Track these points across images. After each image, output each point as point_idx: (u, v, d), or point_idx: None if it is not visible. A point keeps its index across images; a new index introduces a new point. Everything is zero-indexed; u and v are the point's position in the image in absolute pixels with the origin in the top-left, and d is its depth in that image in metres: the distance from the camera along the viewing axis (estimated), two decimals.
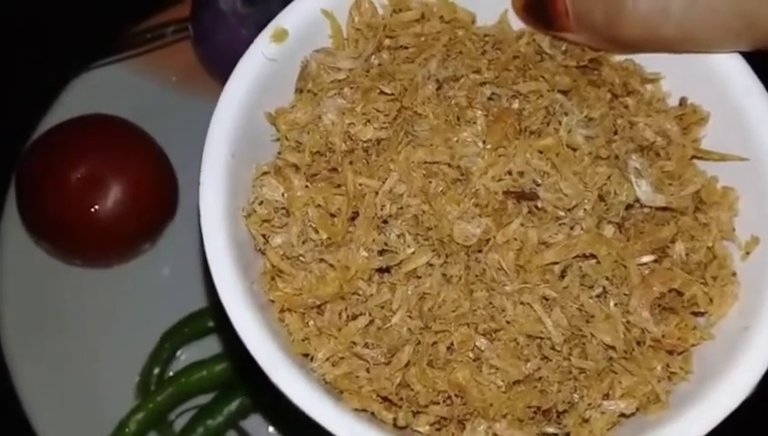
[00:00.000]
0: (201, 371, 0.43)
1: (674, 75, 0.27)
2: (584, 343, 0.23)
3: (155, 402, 0.42)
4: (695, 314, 0.24)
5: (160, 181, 0.42)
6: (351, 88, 0.25)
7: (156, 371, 0.44)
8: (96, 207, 0.41)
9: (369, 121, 0.25)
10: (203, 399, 0.43)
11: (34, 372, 0.43)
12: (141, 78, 0.47)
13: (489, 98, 0.25)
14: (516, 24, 0.28)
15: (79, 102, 0.45)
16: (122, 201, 0.41)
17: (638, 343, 0.23)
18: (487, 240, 0.24)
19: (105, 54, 0.47)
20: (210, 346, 0.44)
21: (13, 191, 0.43)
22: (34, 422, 0.42)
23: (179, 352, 0.44)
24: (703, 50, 0.25)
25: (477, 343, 0.23)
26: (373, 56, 0.26)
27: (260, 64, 0.26)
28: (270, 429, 0.43)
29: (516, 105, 0.25)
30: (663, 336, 0.23)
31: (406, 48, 0.26)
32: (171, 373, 0.44)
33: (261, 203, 0.25)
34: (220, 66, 0.42)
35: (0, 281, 0.43)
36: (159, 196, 0.42)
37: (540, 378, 0.22)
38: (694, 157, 0.26)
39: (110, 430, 0.42)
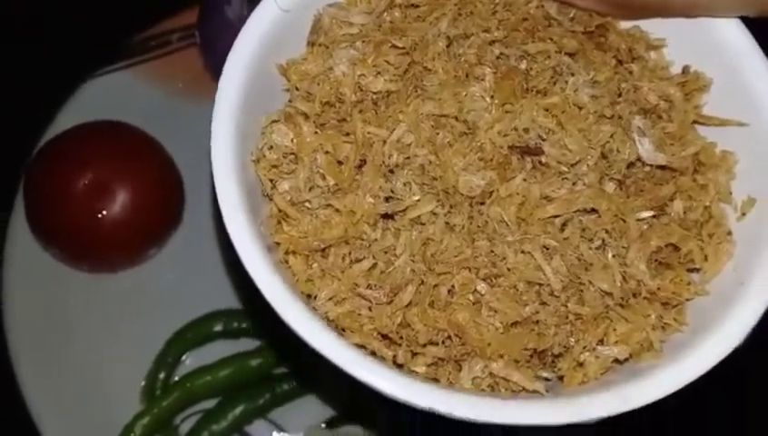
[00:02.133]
0: (205, 376, 0.43)
1: (678, 43, 0.27)
2: (581, 290, 0.23)
3: (161, 407, 0.43)
4: (691, 271, 0.25)
5: (166, 187, 0.42)
6: (363, 42, 0.26)
7: (161, 375, 0.44)
8: (103, 213, 0.41)
9: (379, 73, 0.26)
10: (208, 404, 0.43)
11: (40, 377, 0.43)
12: (147, 85, 0.47)
13: (498, 57, 0.26)
14: None
15: (86, 108, 0.45)
16: (128, 207, 0.42)
17: (634, 294, 0.24)
18: (491, 192, 0.25)
19: (111, 61, 0.47)
20: (214, 351, 0.44)
21: (20, 196, 0.44)
22: (39, 426, 0.42)
23: (184, 357, 0.44)
24: (710, 14, 0.26)
25: (477, 287, 0.23)
26: (385, 13, 0.27)
27: (274, 16, 0.26)
28: (277, 433, 0.43)
29: (523, 65, 0.26)
30: (658, 289, 0.24)
31: (417, 6, 0.27)
32: (176, 378, 0.44)
33: (271, 148, 0.26)
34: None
35: (7, 285, 0.44)
36: (165, 202, 0.42)
37: (538, 321, 0.23)
38: (695, 122, 0.26)
39: (115, 434, 0.42)
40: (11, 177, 0.44)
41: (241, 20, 0.42)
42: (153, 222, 0.42)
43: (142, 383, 0.43)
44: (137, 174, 0.42)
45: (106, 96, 0.46)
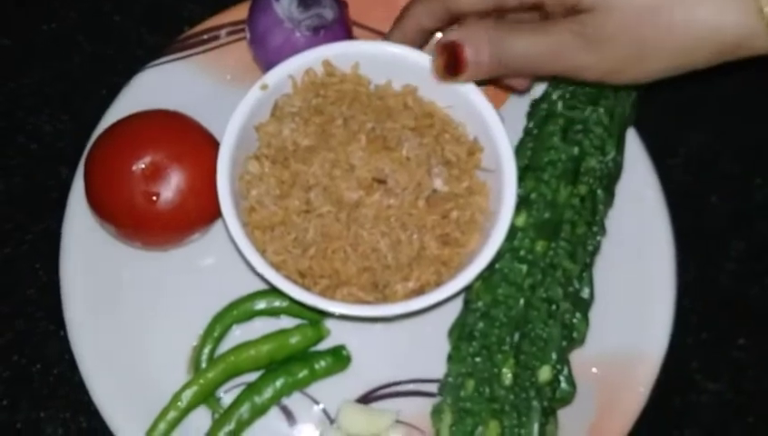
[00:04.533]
0: (249, 351, 0.45)
1: (473, 124, 0.49)
2: (398, 254, 0.46)
3: (206, 378, 0.44)
4: (460, 247, 0.47)
5: (216, 173, 0.44)
6: (298, 117, 0.48)
7: (207, 349, 0.46)
8: (158, 195, 0.43)
9: (306, 135, 0.47)
10: (250, 377, 0.45)
11: (94, 348, 0.45)
12: (197, 76, 0.50)
13: (370, 129, 0.48)
14: (398, 84, 0.50)
15: (140, 97, 0.49)
16: (181, 190, 0.43)
17: (426, 257, 0.46)
18: (361, 202, 0.47)
19: (164, 54, 0.51)
20: (257, 328, 0.46)
21: (79, 177, 0.47)
22: (93, 394, 0.45)
23: (228, 333, 0.46)
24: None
25: (347, 250, 0.46)
26: (313, 99, 0.49)
27: (256, 97, 0.48)
28: (314, 406, 0.46)
29: (383, 134, 0.48)
30: (440, 256, 0.46)
31: (330, 97, 0.49)
32: (221, 352, 0.46)
33: (248, 172, 0.48)
34: (274, 66, 0.46)
35: (66, 259, 0.47)
36: (215, 187, 0.43)
37: (374, 268, 0.46)
38: (474, 168, 0.49)
39: (164, 402, 0.44)
40: (71, 158, 0.50)
41: (290, 18, 0.47)
42: (204, 206, 0.45)
43: (189, 356, 0.46)
44: (190, 161, 0.44)
45: (159, 86, 0.50)
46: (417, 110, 0.49)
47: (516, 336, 0.45)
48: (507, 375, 0.44)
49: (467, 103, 0.48)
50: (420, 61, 0.48)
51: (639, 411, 0.48)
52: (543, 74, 0.46)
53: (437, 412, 0.45)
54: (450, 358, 0.46)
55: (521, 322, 0.45)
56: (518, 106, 0.53)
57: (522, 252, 0.47)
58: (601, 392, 0.48)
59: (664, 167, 0.54)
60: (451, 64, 0.44)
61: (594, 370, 0.49)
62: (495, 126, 0.48)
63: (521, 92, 0.50)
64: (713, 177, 0.56)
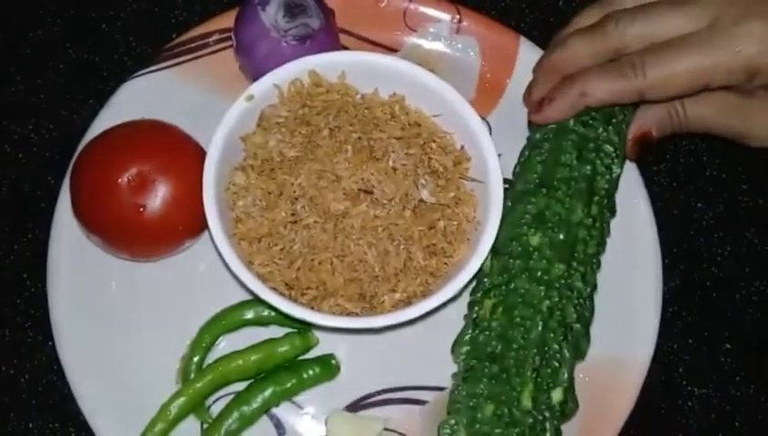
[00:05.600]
0: (237, 361, 0.45)
1: (460, 133, 0.49)
2: (384, 265, 0.46)
3: (195, 388, 0.44)
4: (449, 256, 0.48)
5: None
6: (284, 128, 0.48)
7: (196, 359, 0.46)
8: (145, 206, 0.43)
9: (292, 146, 0.47)
10: (239, 386, 0.45)
11: (82, 358, 0.45)
12: (184, 84, 0.50)
13: (357, 139, 0.48)
14: (385, 92, 0.50)
15: (126, 106, 0.49)
16: (168, 201, 0.43)
17: (414, 268, 0.47)
18: (347, 213, 0.47)
19: (150, 62, 0.51)
20: (245, 337, 0.46)
21: (66, 187, 0.47)
22: (82, 404, 0.45)
23: (217, 342, 0.46)
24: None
25: (333, 261, 0.46)
26: (299, 110, 0.49)
27: (242, 109, 0.48)
28: (303, 415, 0.46)
29: (370, 144, 0.48)
30: (427, 265, 0.47)
31: (317, 107, 0.49)
32: (209, 362, 0.46)
33: (234, 184, 0.48)
34: (261, 75, 0.46)
35: (53, 269, 0.47)
36: (202, 198, 0.44)
37: (362, 279, 0.46)
38: (460, 177, 0.49)
39: (153, 412, 0.44)
40: (56, 168, 0.50)
41: (276, 27, 0.46)
42: (191, 216, 0.44)
43: (177, 366, 0.46)
44: (177, 172, 0.44)
45: (146, 95, 0.49)
46: (404, 119, 0.49)
47: (537, 359, 0.44)
48: (527, 399, 0.44)
49: (454, 112, 0.49)
50: (407, 70, 0.48)
51: (626, 416, 0.49)
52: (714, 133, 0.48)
53: (446, 430, 0.44)
54: (464, 378, 0.45)
55: (540, 345, 0.44)
56: (504, 116, 0.53)
57: (539, 274, 0.45)
58: (589, 398, 0.48)
59: (651, 174, 0.54)
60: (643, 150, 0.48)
61: (581, 375, 0.49)
62: (481, 135, 0.48)
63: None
64: (698, 183, 0.57)
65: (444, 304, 0.45)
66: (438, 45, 0.56)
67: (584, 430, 0.48)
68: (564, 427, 0.47)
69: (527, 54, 0.55)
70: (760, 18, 0.40)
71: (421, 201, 0.47)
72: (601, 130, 0.48)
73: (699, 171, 0.57)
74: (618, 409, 0.49)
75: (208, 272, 0.49)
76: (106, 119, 0.49)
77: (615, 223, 0.51)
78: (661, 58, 0.42)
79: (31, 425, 0.48)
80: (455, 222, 0.48)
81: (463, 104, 0.48)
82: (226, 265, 0.45)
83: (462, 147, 0.49)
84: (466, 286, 0.45)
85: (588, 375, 0.49)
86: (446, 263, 0.47)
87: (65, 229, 0.48)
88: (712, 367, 0.53)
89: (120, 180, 0.44)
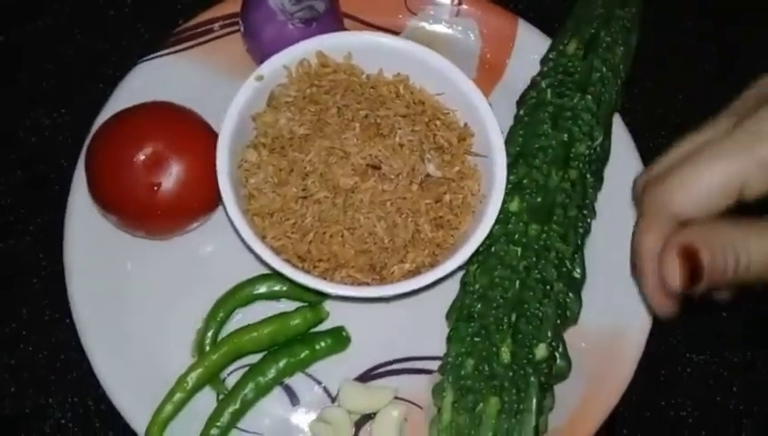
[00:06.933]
0: (251, 333, 0.46)
1: (464, 111, 0.51)
2: (393, 237, 0.47)
3: (210, 360, 0.45)
4: (453, 229, 0.49)
5: (215, 162, 0.45)
6: (294, 107, 0.49)
7: (210, 333, 0.46)
8: (159, 185, 0.44)
9: (301, 124, 0.49)
10: (252, 360, 0.46)
11: (100, 334, 0.46)
12: (192, 69, 0.51)
13: (364, 117, 0.49)
14: (389, 73, 0.52)
15: (136, 90, 0.50)
16: (182, 179, 0.44)
17: (422, 241, 0.48)
18: (356, 187, 0.48)
19: (158, 48, 0.52)
20: (258, 312, 0.47)
21: (80, 169, 0.48)
22: (102, 379, 0.46)
23: (230, 317, 0.47)
24: None
25: (344, 234, 0.47)
26: (308, 89, 0.50)
27: (250, 90, 0.49)
28: (315, 386, 0.47)
29: (376, 121, 0.49)
30: (435, 238, 0.48)
31: (325, 86, 0.51)
32: (224, 335, 0.47)
33: (246, 161, 0.49)
34: (268, 57, 0.48)
35: (69, 248, 0.48)
36: (214, 176, 0.45)
37: (371, 251, 0.47)
38: (465, 153, 0.50)
39: (170, 385, 0.45)
40: (72, 150, 0.50)
41: (282, 10, 0.47)
42: (204, 194, 0.45)
43: (193, 340, 0.47)
44: (190, 151, 0.45)
45: (155, 80, 0.50)
46: (408, 98, 0.51)
47: (513, 316, 0.46)
48: (506, 353, 0.46)
49: (457, 90, 0.50)
50: (411, 49, 0.50)
51: (627, 382, 0.50)
52: None
53: (438, 391, 0.47)
54: (450, 339, 0.48)
55: (517, 303, 0.47)
56: (505, 95, 0.55)
57: (516, 236, 0.48)
58: (590, 366, 0.50)
59: (648, 150, 0.56)
60: (691, 274, 0.35)
61: (583, 344, 0.51)
62: (485, 112, 0.49)
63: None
64: None
65: (451, 274, 0.46)
66: (438, 28, 0.58)
67: (585, 397, 0.50)
68: (566, 394, 0.48)
69: (526, 35, 0.57)
70: None
71: (428, 175, 0.49)
72: (577, 99, 0.50)
73: None
74: (620, 376, 0.51)
75: (221, 250, 0.50)
76: (117, 103, 0.50)
77: (615, 198, 0.52)
78: (683, 174, 0.36)
79: (50, 400, 0.49)
80: (460, 196, 0.49)
81: (466, 82, 0.50)
82: (242, 239, 0.46)
83: (465, 124, 0.51)
84: (471, 257, 0.47)
85: (589, 343, 0.51)
86: (452, 235, 0.49)
87: (80, 210, 0.49)
88: (709, 334, 0.55)
89: (135, 159, 0.45)
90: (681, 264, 0.35)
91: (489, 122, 0.49)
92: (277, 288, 0.48)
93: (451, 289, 0.50)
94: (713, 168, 0.35)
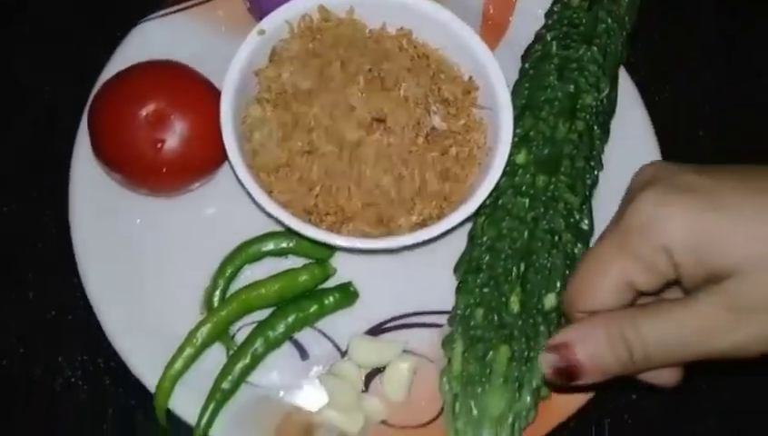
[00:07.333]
0: (259, 289, 0.46)
1: (468, 64, 0.51)
2: (399, 190, 0.47)
3: (219, 316, 0.45)
4: (460, 182, 0.49)
5: (218, 120, 0.45)
6: (296, 61, 0.49)
7: (219, 289, 0.46)
8: (163, 142, 0.44)
9: (305, 78, 0.48)
10: (261, 316, 0.46)
11: (109, 292, 0.46)
12: (193, 28, 0.51)
13: (368, 70, 0.49)
14: (392, 27, 0.51)
15: (137, 50, 0.50)
16: (186, 136, 0.44)
17: (429, 193, 0.48)
18: (362, 141, 0.48)
19: (159, 7, 0.52)
20: (266, 268, 0.47)
21: (83, 127, 0.48)
22: (111, 337, 0.46)
23: (239, 274, 0.47)
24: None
25: (351, 188, 0.47)
26: (310, 44, 0.50)
27: (252, 45, 0.49)
28: (325, 341, 0.47)
29: (380, 75, 0.49)
30: (441, 190, 0.48)
31: (327, 41, 0.50)
32: (232, 292, 0.47)
33: (250, 116, 0.49)
34: (268, 15, 0.47)
35: (75, 208, 0.48)
36: (218, 133, 0.45)
37: (378, 203, 0.47)
38: (470, 106, 0.50)
39: (180, 341, 0.45)
40: (74, 109, 0.50)
41: None
42: (208, 151, 0.46)
43: (202, 296, 0.47)
44: (193, 107, 0.45)
45: (156, 39, 0.50)
46: (412, 51, 0.50)
47: (522, 266, 0.46)
48: (515, 303, 0.46)
49: (462, 44, 0.50)
50: (414, 3, 0.50)
51: None
52: (684, 361, 0.37)
53: (448, 342, 0.47)
54: (459, 290, 0.48)
55: (526, 253, 0.47)
56: (509, 52, 0.54)
57: (524, 188, 0.48)
58: None
59: (653, 103, 0.56)
60: (564, 371, 0.37)
61: None
62: (490, 65, 0.49)
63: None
64: (699, 112, 0.58)
65: (458, 226, 0.46)
66: None
67: None
68: None
69: None
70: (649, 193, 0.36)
71: (433, 128, 0.49)
72: (583, 51, 0.50)
73: (699, 99, 0.58)
74: None
75: (228, 207, 0.50)
76: (119, 62, 0.50)
77: (621, 150, 0.52)
78: (577, 280, 0.38)
79: (60, 359, 0.49)
80: (466, 149, 0.49)
81: (470, 34, 0.50)
82: (248, 194, 0.46)
83: (470, 77, 0.51)
84: (478, 209, 0.47)
85: None
86: (458, 188, 0.49)
87: (84, 169, 0.49)
88: None
89: (137, 116, 0.45)
90: (553, 360, 0.37)
91: (494, 74, 0.49)
92: (284, 245, 0.48)
93: (459, 245, 0.50)
94: (598, 272, 0.37)
